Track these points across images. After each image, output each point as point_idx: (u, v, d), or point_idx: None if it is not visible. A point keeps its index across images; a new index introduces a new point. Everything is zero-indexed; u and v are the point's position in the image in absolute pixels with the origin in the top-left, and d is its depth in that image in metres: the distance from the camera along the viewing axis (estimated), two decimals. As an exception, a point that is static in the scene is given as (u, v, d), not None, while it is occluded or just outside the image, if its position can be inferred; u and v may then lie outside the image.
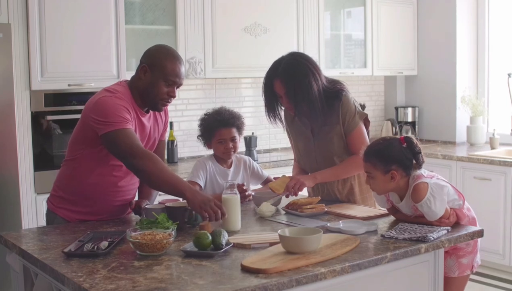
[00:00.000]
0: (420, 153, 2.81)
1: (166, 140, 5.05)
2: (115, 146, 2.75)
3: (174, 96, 2.92)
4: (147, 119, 2.98)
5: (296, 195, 3.20)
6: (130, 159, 2.73)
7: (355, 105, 3.27)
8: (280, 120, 3.39)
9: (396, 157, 2.77)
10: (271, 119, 3.37)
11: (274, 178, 3.46)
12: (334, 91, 3.25)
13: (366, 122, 3.31)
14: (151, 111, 3.01)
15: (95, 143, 2.84)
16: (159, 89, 2.86)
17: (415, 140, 2.82)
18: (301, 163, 3.47)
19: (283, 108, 3.36)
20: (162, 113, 3.11)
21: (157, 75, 2.86)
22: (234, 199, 2.81)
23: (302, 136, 3.40)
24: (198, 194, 2.70)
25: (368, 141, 3.24)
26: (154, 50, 2.95)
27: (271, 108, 3.34)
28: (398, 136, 2.92)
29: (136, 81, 2.93)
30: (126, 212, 3.09)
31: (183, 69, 2.92)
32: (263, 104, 5.73)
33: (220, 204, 2.70)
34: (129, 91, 2.91)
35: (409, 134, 6.26)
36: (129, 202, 3.04)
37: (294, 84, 3.14)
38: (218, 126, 3.35)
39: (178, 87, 2.92)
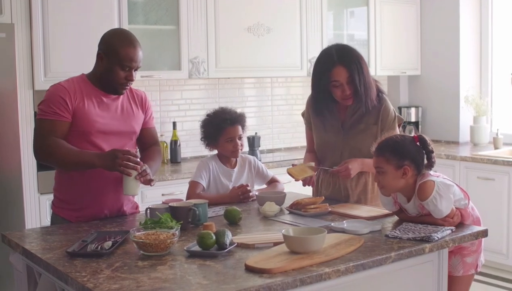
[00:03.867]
0: (433, 152, 2.81)
1: (169, 141, 5.07)
2: (33, 134, 2.94)
3: (132, 80, 2.96)
4: (114, 99, 3.01)
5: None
6: (36, 151, 2.89)
7: (393, 109, 3.33)
8: (322, 112, 3.36)
9: (410, 153, 2.76)
10: (317, 112, 3.35)
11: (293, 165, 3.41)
12: (376, 90, 3.28)
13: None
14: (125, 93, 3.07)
15: (65, 136, 2.89)
16: (116, 75, 2.91)
17: (428, 140, 2.82)
18: (321, 154, 3.44)
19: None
20: (138, 99, 3.13)
21: (112, 61, 2.91)
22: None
23: (330, 128, 3.36)
24: (105, 156, 2.78)
25: None
26: (107, 36, 3.00)
27: (319, 99, 3.30)
28: (412, 135, 2.92)
29: (95, 67, 3.01)
30: (126, 203, 3.09)
31: (138, 52, 2.93)
32: (266, 104, 5.80)
33: (127, 150, 2.78)
34: (84, 77, 3.00)
35: (413, 133, 6.27)
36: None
37: (356, 67, 3.14)
38: (227, 125, 3.35)
39: (135, 70, 2.96)
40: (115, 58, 2.89)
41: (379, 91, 3.31)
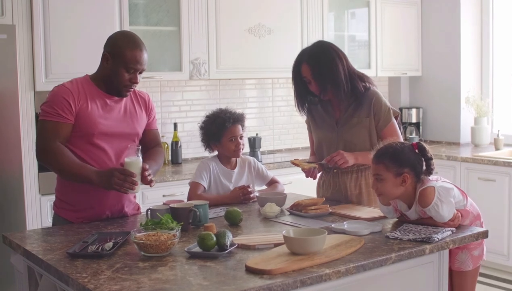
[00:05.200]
0: (432, 159, 2.80)
1: (170, 142, 5.08)
2: (36, 135, 2.98)
3: (136, 83, 2.97)
4: (117, 101, 3.02)
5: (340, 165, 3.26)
6: (39, 153, 2.91)
7: (386, 101, 3.39)
8: (309, 110, 3.50)
9: (410, 160, 2.76)
10: (300, 109, 3.50)
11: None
12: (366, 84, 3.36)
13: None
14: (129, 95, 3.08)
15: (67, 138, 2.91)
16: (121, 77, 2.92)
17: (427, 147, 2.82)
18: (318, 153, 3.49)
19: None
20: (142, 101, 3.14)
21: (117, 63, 2.91)
22: (136, 162, 2.85)
23: (325, 125, 3.43)
24: (102, 176, 2.81)
25: (401, 135, 3.35)
26: (114, 38, 3.00)
27: (300, 97, 3.45)
28: (409, 142, 2.93)
29: (99, 69, 3.01)
30: (127, 204, 3.10)
31: (144, 55, 2.95)
32: (267, 105, 5.81)
33: (123, 169, 2.80)
34: (88, 78, 3.00)
35: (414, 135, 6.27)
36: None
37: (319, 63, 3.26)
38: (230, 124, 3.37)
39: (140, 73, 2.97)
40: (121, 60, 2.89)
41: (369, 83, 3.38)
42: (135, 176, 2.80)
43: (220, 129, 3.36)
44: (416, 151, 2.80)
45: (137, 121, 3.08)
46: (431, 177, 2.79)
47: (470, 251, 2.94)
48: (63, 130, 2.88)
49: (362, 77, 3.38)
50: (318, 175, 3.46)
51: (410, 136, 6.27)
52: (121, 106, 3.03)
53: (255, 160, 3.58)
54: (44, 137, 2.87)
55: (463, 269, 2.95)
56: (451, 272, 2.96)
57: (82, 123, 2.90)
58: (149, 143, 3.19)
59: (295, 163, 3.34)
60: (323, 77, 3.26)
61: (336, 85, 3.27)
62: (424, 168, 2.79)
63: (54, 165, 2.89)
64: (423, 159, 2.79)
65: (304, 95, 3.43)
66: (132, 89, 3.02)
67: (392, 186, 2.75)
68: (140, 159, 2.88)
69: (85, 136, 2.91)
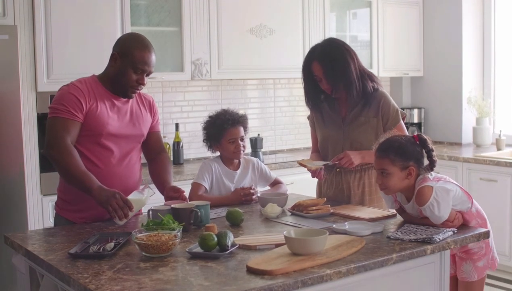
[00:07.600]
0: (433, 151, 2.81)
1: (172, 142, 5.08)
2: (46, 132, 2.91)
3: (143, 84, 2.97)
4: (124, 103, 3.03)
5: (346, 165, 3.26)
6: (48, 148, 2.87)
7: (395, 104, 3.41)
8: (318, 107, 3.49)
9: (414, 153, 2.76)
10: (311, 106, 3.50)
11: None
12: (374, 84, 3.37)
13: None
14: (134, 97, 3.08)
15: (76, 137, 2.90)
16: (128, 77, 2.93)
17: (428, 139, 2.81)
18: (323, 151, 3.49)
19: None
20: (146, 103, 3.15)
21: (126, 63, 2.92)
22: (139, 200, 2.88)
23: (331, 123, 3.44)
24: (104, 191, 2.78)
25: None
26: (124, 39, 3.02)
27: (311, 94, 3.45)
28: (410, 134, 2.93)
29: (107, 69, 3.01)
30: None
31: (152, 57, 2.96)
32: (269, 105, 5.81)
33: (126, 199, 2.78)
34: (95, 78, 3.00)
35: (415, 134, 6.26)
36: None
37: (331, 62, 3.26)
38: (229, 125, 3.36)
39: (147, 75, 2.97)
40: (129, 60, 2.90)
41: (377, 84, 3.39)
42: (132, 211, 2.80)
43: (219, 131, 3.36)
44: (417, 142, 2.80)
45: (143, 123, 3.10)
46: (433, 177, 2.78)
47: (474, 262, 2.91)
48: (73, 128, 2.87)
49: (372, 77, 3.39)
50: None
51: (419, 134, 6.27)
52: (128, 108, 3.04)
53: (258, 161, 3.57)
54: (54, 134, 2.85)
55: (468, 280, 2.93)
56: (457, 280, 2.98)
57: (91, 123, 2.90)
58: (153, 146, 3.20)
59: (302, 164, 3.35)
60: (336, 76, 3.27)
61: (349, 84, 3.28)
62: (427, 160, 2.79)
63: (60, 163, 2.85)
64: (424, 150, 2.79)
65: (314, 92, 3.43)
66: (138, 91, 3.02)
67: (398, 180, 2.75)
68: (145, 200, 2.91)
69: (93, 136, 2.91)
